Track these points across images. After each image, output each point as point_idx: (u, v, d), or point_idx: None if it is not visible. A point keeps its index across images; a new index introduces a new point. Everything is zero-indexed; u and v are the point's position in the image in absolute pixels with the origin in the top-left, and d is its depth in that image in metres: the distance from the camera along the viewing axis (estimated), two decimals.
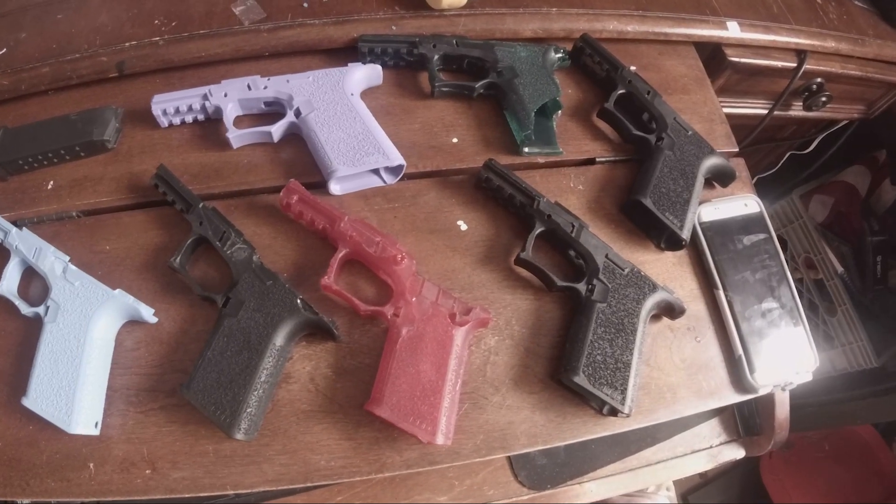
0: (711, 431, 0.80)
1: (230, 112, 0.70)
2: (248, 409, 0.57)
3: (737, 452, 0.79)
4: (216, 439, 0.60)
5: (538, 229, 0.66)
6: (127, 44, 0.72)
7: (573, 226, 0.66)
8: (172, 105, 0.69)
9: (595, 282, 0.65)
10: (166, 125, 0.71)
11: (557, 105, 0.73)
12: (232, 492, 0.59)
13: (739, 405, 0.80)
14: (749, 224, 0.73)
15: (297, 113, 0.69)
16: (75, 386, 0.58)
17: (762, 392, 0.68)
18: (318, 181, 0.69)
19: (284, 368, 0.62)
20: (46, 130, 0.69)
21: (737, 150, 0.79)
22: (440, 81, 0.73)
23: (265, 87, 0.70)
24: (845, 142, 1.17)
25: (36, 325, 0.62)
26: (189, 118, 0.71)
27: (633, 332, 0.64)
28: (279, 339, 0.59)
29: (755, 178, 1.29)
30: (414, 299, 0.61)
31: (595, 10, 0.79)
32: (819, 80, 0.90)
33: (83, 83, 0.73)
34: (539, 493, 0.73)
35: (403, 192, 0.70)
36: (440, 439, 0.57)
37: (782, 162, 1.25)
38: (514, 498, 0.73)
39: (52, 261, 0.63)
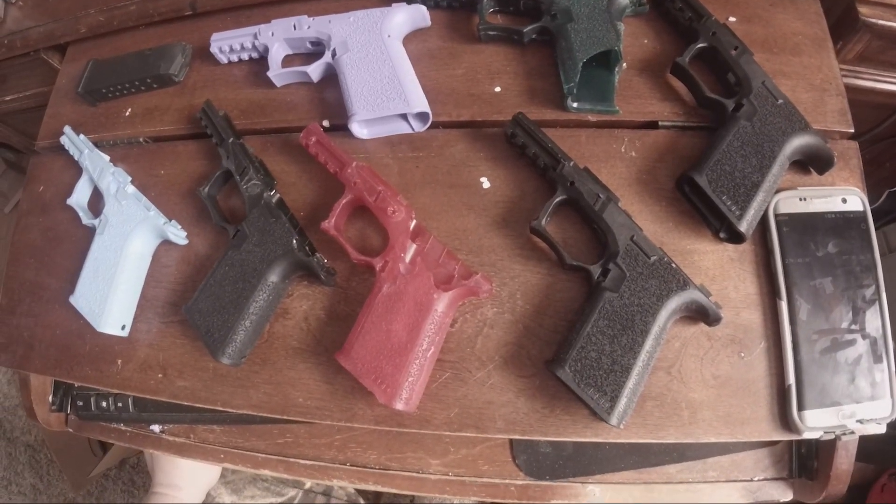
0: (756, 463, 0.68)
1: (276, 51, 0.73)
2: (235, 337, 0.62)
3: (783, 494, 0.67)
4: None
5: (558, 197, 0.61)
6: None
7: (598, 197, 0.60)
8: (227, 43, 0.75)
9: (611, 266, 0.58)
10: (225, 62, 0.77)
11: (618, 57, 0.65)
12: (221, 408, 0.66)
13: (798, 441, 0.67)
14: (843, 225, 0.59)
15: (334, 54, 0.70)
16: (108, 291, 0.68)
17: (808, 435, 0.56)
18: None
19: (283, 304, 0.66)
20: (126, 64, 0.79)
21: (851, 130, 0.64)
22: (486, 24, 0.69)
23: (308, 28, 0.72)
24: None
25: (93, 235, 0.73)
26: (244, 56, 0.76)
27: (645, 333, 0.56)
28: (273, 275, 0.63)
29: None
30: (404, 255, 0.61)
31: None
32: None
33: (164, 20, 0.82)
34: (535, 481, 0.70)
35: (431, 142, 0.69)
36: (398, 404, 0.57)
37: None
38: (508, 479, 0.71)
39: (109, 181, 0.73)
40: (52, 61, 0.91)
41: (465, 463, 0.72)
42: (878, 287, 0.58)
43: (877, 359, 0.56)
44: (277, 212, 0.65)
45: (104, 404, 0.81)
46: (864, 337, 0.57)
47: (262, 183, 0.67)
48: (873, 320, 0.57)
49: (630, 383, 0.55)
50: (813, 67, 0.67)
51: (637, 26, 0.70)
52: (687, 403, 0.58)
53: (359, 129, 0.69)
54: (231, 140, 0.69)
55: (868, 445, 0.63)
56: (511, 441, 0.72)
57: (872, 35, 0.72)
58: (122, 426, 0.82)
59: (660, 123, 0.66)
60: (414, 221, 0.63)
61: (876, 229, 0.59)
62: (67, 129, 0.78)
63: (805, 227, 0.60)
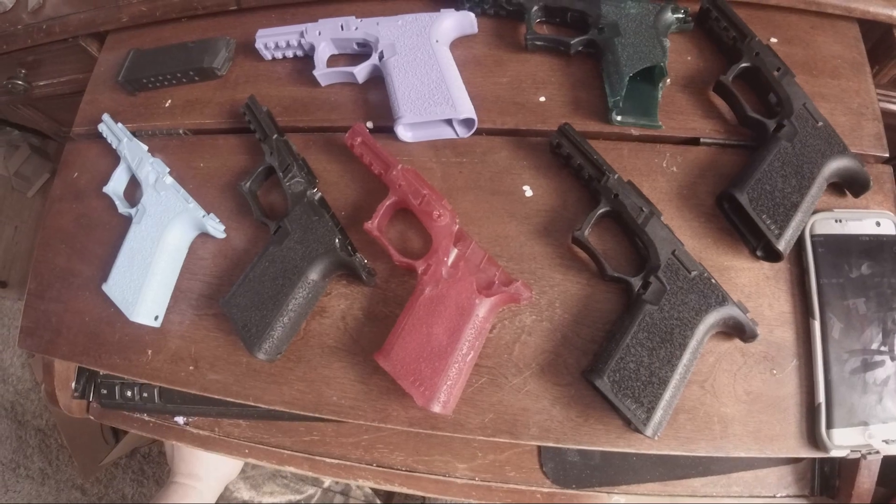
0: (780, 480, 0.70)
1: (322, 50, 0.75)
2: (272, 333, 0.64)
3: None
4: (249, 354, 0.67)
5: (601, 208, 0.63)
6: None
7: (642, 211, 0.62)
8: (273, 40, 0.76)
9: (652, 279, 0.60)
10: (269, 58, 0.79)
11: (663, 72, 0.67)
12: (253, 403, 0.67)
13: (822, 459, 0.69)
14: (877, 248, 0.61)
15: (381, 56, 0.72)
16: (143, 281, 0.70)
17: (835, 454, 0.58)
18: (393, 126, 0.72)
19: (320, 302, 0.68)
20: (168, 55, 0.81)
21: (886, 155, 0.66)
22: (534, 34, 0.71)
23: (356, 29, 0.74)
24: None
25: (130, 223, 0.74)
26: (289, 53, 0.78)
27: (683, 347, 0.58)
28: (313, 273, 0.65)
29: None
30: (447, 259, 0.63)
31: None
32: None
33: (209, 13, 0.84)
34: (561, 489, 0.72)
35: (474, 148, 0.71)
36: (436, 407, 0.59)
37: None
38: (534, 486, 0.72)
39: (148, 171, 0.75)
40: (91, 48, 0.92)
41: (492, 468, 0.74)
42: None
43: None
44: (320, 210, 0.66)
45: (129, 393, 0.82)
46: (892, 358, 0.59)
47: (305, 181, 0.68)
48: None
49: (667, 395, 0.57)
50: (851, 91, 0.69)
51: (681, 43, 0.72)
52: (719, 418, 0.60)
53: (404, 132, 0.70)
54: (275, 136, 0.70)
55: (881, 468, 0.65)
56: (539, 448, 0.73)
57: None
58: (145, 416, 0.83)
59: (701, 140, 0.68)
60: (457, 226, 0.64)
61: None
62: (106, 116, 0.80)
63: (840, 249, 0.62)
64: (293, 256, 0.65)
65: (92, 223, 0.79)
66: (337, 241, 0.64)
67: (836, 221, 0.62)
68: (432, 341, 0.60)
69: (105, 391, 0.83)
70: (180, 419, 0.82)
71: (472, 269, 0.62)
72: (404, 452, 0.76)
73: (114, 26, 0.88)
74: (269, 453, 0.79)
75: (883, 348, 0.60)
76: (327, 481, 0.96)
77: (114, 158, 0.80)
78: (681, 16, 0.70)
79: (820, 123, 0.63)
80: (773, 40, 0.71)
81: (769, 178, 0.61)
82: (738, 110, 0.66)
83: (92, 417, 0.86)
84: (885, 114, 0.70)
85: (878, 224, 0.62)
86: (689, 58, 0.71)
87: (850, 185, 0.64)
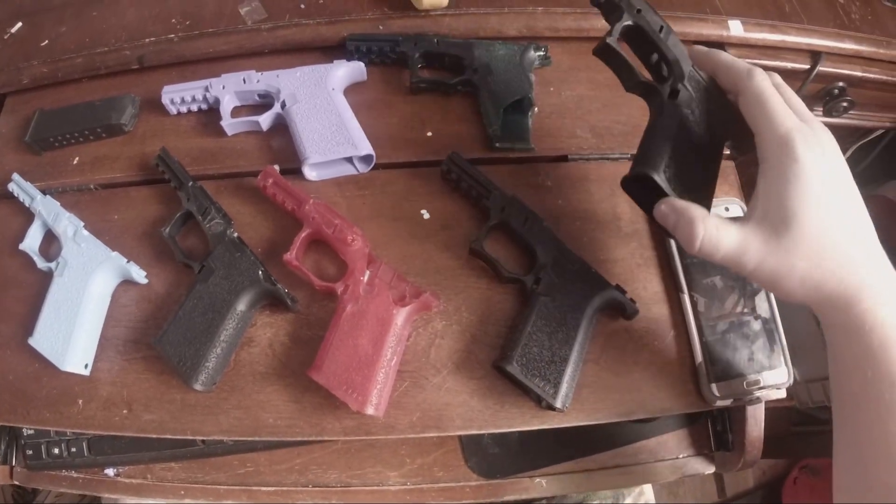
0: (679, 442, 0.84)
1: (227, 103, 0.84)
2: (207, 364, 0.71)
3: (706, 467, 0.83)
4: (183, 390, 0.73)
5: (492, 221, 0.75)
6: (147, 39, 0.90)
7: (527, 219, 0.75)
8: (179, 95, 0.85)
9: (542, 275, 0.73)
10: (175, 113, 0.87)
11: (531, 102, 0.81)
12: (192, 437, 0.73)
13: (713, 419, 0.84)
14: None
15: (283, 105, 0.82)
16: (71, 331, 0.74)
17: (720, 404, 0.72)
18: (299, 167, 0.81)
19: (247, 333, 0.75)
20: (74, 113, 0.87)
21: (727, 152, 0.83)
22: (418, 78, 0.84)
23: (258, 81, 0.84)
24: (882, 153, 1.15)
25: (49, 278, 0.79)
26: (194, 107, 0.87)
27: (576, 328, 0.71)
28: (241, 304, 0.73)
29: None
30: (363, 278, 0.73)
31: (583, 8, 0.86)
32: (840, 83, 0.91)
33: (111, 73, 0.91)
34: (488, 480, 0.82)
35: (374, 181, 0.82)
36: (370, 409, 0.68)
37: None
38: (462, 482, 0.82)
39: (66, 224, 0.80)
40: None
41: (421, 472, 0.83)
42: None
43: (769, 334, 0.73)
44: (241, 246, 0.75)
45: (56, 451, 0.85)
46: (756, 318, 0.74)
47: (223, 222, 0.77)
48: (762, 303, 0.74)
49: (569, 370, 0.69)
50: None
51: (543, 76, 0.88)
52: (616, 388, 0.72)
53: (310, 172, 0.80)
54: (191, 184, 0.79)
55: (777, 441, 0.79)
56: (462, 446, 0.84)
57: None
58: (73, 473, 0.86)
59: (569, 157, 0.83)
60: (368, 249, 0.75)
61: None
62: (16, 176, 0.84)
63: None
64: (220, 291, 0.73)
65: (6, 282, 0.83)
66: (260, 272, 0.73)
67: None
68: (359, 352, 0.70)
69: (31, 451, 0.85)
70: (110, 471, 0.86)
71: (386, 286, 0.73)
72: (337, 469, 0.84)
73: (14, 88, 0.93)
74: (205, 491, 0.84)
75: (746, 310, 0.74)
76: None
77: (25, 217, 0.84)
78: (541, 53, 0.86)
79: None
80: None
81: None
82: (624, 74, 0.69)
83: (17, 482, 0.87)
84: None
85: (727, 209, 0.78)
86: (551, 88, 0.87)
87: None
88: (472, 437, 0.85)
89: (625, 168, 0.79)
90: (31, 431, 0.87)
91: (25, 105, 0.94)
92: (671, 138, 0.63)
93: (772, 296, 0.75)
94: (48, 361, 0.75)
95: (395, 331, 0.71)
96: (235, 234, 0.77)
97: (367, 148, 0.79)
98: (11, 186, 0.85)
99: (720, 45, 0.89)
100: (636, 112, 0.84)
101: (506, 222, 0.76)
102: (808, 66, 0.89)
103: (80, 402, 0.76)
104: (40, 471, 0.87)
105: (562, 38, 0.88)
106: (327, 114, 0.80)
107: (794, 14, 0.89)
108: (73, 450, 0.85)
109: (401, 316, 0.72)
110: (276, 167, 0.82)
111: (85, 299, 0.76)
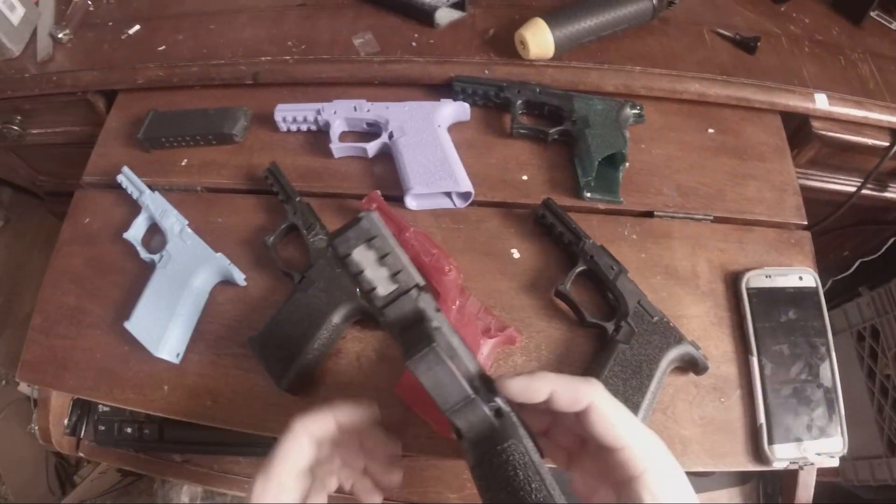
0: (730, 500, 0.88)
1: (336, 127, 0.91)
2: (297, 370, 0.75)
3: None
4: (268, 389, 0.78)
5: (579, 267, 0.80)
6: (263, 58, 0.97)
7: (613, 269, 0.80)
8: (291, 114, 0.92)
9: (623, 324, 0.77)
10: (284, 130, 0.94)
11: (623, 157, 0.87)
12: (271, 435, 0.78)
13: (765, 480, 0.87)
14: (800, 298, 0.81)
15: (391, 135, 0.88)
16: (168, 321, 0.80)
17: (777, 466, 0.75)
18: (399, 195, 0.87)
19: (337, 344, 0.80)
20: (188, 118, 0.94)
21: (805, 223, 0.88)
22: (519, 124, 0.90)
23: (368, 111, 0.91)
24: None
25: (148, 268, 0.85)
26: (303, 127, 0.93)
27: (649, 378, 0.75)
28: (336, 317, 0.77)
29: (857, 262, 1.34)
30: (454, 307, 0.78)
31: (678, 71, 0.93)
32: None
33: (224, 84, 0.98)
34: None
35: (469, 216, 0.87)
36: (451, 433, 0.73)
37: (887, 247, 1.27)
38: None
39: (173, 221, 0.86)
40: (98, 104, 1.04)
41: (478, 497, 0.87)
42: (828, 347, 0.79)
43: (829, 403, 0.77)
44: (342, 264, 0.81)
45: (129, 430, 0.90)
46: (818, 386, 0.78)
47: (326, 238, 0.83)
48: (825, 373, 0.78)
49: (639, 418, 0.73)
50: (775, 171, 0.91)
51: (636, 133, 0.93)
52: (679, 439, 0.76)
53: (411, 202, 0.86)
54: (298, 199, 0.85)
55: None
56: None
57: (822, 144, 0.97)
58: (140, 454, 0.91)
59: (655, 213, 0.88)
60: (461, 280, 0.80)
61: (835, 307, 0.80)
62: (126, 169, 0.91)
63: (770, 299, 0.81)
64: (317, 302, 0.78)
65: (105, 267, 0.89)
66: (358, 290, 0.78)
67: (766, 277, 0.82)
68: None
69: (103, 427, 0.90)
70: (177, 456, 0.90)
71: (474, 316, 0.78)
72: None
73: (127, 86, 1.01)
74: None
75: (809, 378, 0.78)
76: None
77: (129, 208, 0.91)
78: (637, 111, 0.92)
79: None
80: (711, 131, 0.94)
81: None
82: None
83: (82, 454, 0.92)
84: (804, 189, 0.92)
85: (800, 278, 0.82)
86: (642, 146, 0.93)
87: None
88: None
89: (708, 229, 0.85)
90: (106, 409, 0.93)
91: (136, 103, 1.01)
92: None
93: (835, 366, 0.79)
94: (139, 346, 0.80)
95: (480, 360, 0.76)
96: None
97: (467, 185, 0.85)
98: (120, 178, 0.91)
99: (805, 116, 0.95)
100: (721, 176, 0.90)
101: (592, 270, 0.80)
102: (887, 144, 0.94)
103: (166, 387, 0.81)
104: (108, 447, 0.92)
105: (655, 98, 0.95)
106: (433, 148, 0.86)
107: (877, 91, 0.95)
108: (146, 431, 0.90)
109: (486, 347, 0.76)
110: (378, 193, 0.88)
111: (185, 293, 0.82)
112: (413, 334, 0.56)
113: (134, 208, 0.90)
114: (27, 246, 1.94)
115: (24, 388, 1.57)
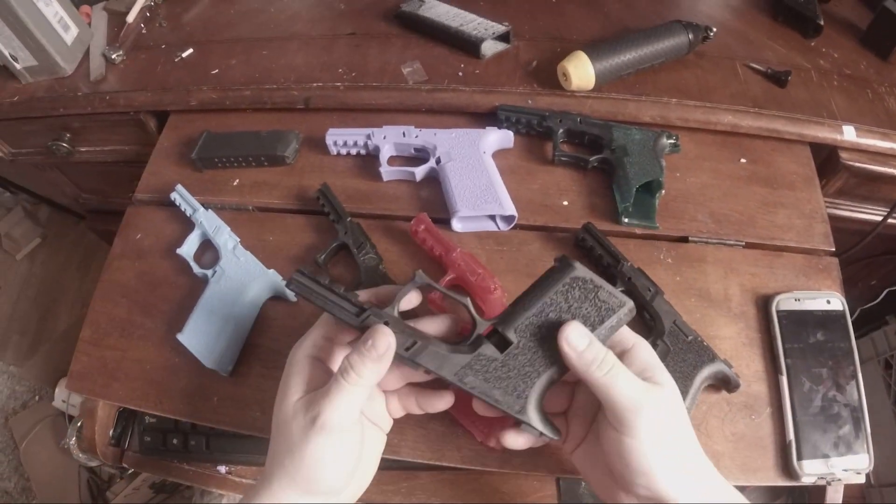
0: None
1: (385, 151, 0.97)
2: None
3: None
4: None
5: (619, 288, 0.85)
6: (314, 84, 1.03)
7: (650, 290, 0.85)
8: (342, 138, 0.98)
9: (659, 342, 0.82)
10: (335, 153, 1.00)
11: (660, 185, 0.92)
12: None
13: (795, 497, 0.91)
14: (828, 321, 0.86)
15: (438, 161, 0.94)
16: (220, 334, 0.84)
17: (806, 481, 0.79)
18: (444, 217, 0.92)
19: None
20: (240, 140, 1.00)
21: (833, 249, 0.92)
22: (560, 152, 0.96)
23: (416, 137, 0.97)
24: None
25: (200, 284, 0.90)
26: (353, 151, 0.99)
27: (684, 394, 0.79)
28: None
29: (885, 291, 1.39)
30: None
31: (712, 103, 0.99)
32: None
33: (275, 108, 1.04)
34: None
35: (512, 239, 0.92)
36: (492, 441, 0.76)
37: None
38: None
39: (227, 238, 0.91)
40: (149, 124, 1.10)
41: None
42: (855, 367, 0.83)
43: (856, 421, 0.81)
44: (391, 281, 0.86)
45: (175, 441, 0.94)
46: (846, 405, 0.82)
47: (376, 257, 0.88)
48: (852, 392, 0.82)
49: None
50: (804, 200, 0.96)
51: (671, 161, 0.98)
52: (712, 454, 0.79)
53: (457, 224, 0.91)
54: (349, 219, 0.90)
55: None
56: (559, 492, 0.92)
57: (850, 174, 1.02)
58: (185, 465, 0.95)
59: (689, 238, 0.93)
60: (505, 299, 0.85)
61: (863, 335, 0.84)
62: (180, 187, 0.96)
63: (799, 321, 0.86)
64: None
65: (155, 281, 0.94)
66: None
67: (795, 300, 0.87)
68: None
69: (149, 438, 0.94)
70: (222, 468, 0.95)
71: None
72: (441, 497, 0.92)
73: (179, 108, 1.07)
74: None
75: (836, 397, 0.82)
76: None
77: (180, 225, 0.96)
78: (673, 141, 0.97)
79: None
80: (743, 161, 0.99)
81: None
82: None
83: (126, 465, 0.96)
84: (832, 218, 0.96)
85: (828, 302, 0.87)
86: (677, 174, 0.98)
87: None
88: (570, 485, 0.93)
89: (740, 254, 0.90)
90: (153, 420, 0.97)
91: (188, 124, 1.07)
92: None
93: (861, 385, 0.83)
94: (190, 357, 0.84)
95: None
96: (385, 270, 0.88)
97: (511, 209, 0.90)
98: (174, 196, 0.96)
99: (834, 147, 1.01)
100: (752, 204, 0.96)
101: (630, 291, 0.85)
102: None
103: (216, 399, 0.85)
104: (153, 457, 0.96)
105: (690, 129, 1.00)
106: (478, 173, 0.92)
107: None
108: (193, 443, 0.94)
109: None
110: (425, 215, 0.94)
111: (238, 308, 0.86)
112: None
113: (185, 225, 0.96)
114: (63, 264, 2.00)
115: (58, 403, 1.61)
